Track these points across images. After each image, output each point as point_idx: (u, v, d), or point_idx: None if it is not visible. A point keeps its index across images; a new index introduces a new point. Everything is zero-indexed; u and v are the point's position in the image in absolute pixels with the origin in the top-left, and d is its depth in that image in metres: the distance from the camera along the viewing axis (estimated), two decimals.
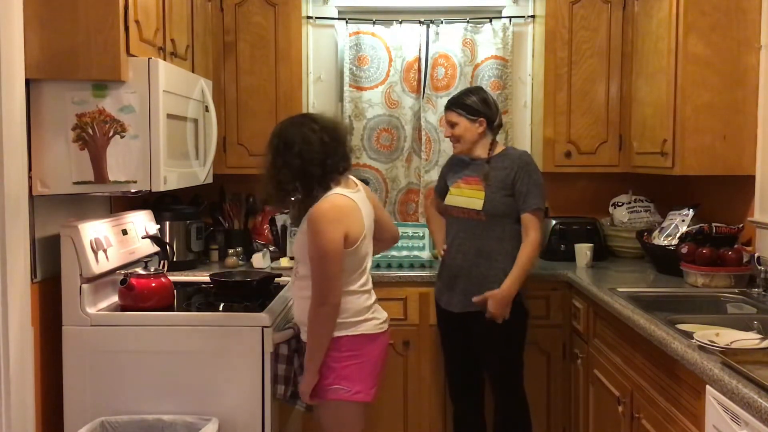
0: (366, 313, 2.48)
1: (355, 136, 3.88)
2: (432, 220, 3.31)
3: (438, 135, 3.89)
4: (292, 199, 2.48)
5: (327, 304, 2.36)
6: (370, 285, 2.55)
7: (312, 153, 2.37)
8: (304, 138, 2.38)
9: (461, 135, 2.98)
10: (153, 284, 2.63)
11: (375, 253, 2.64)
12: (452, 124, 2.99)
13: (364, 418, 2.53)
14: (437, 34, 3.90)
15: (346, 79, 3.90)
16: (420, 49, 3.89)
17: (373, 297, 2.55)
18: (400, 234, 3.53)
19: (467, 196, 2.98)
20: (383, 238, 2.69)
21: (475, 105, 2.96)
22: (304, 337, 2.51)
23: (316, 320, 2.38)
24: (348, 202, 2.41)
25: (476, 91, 3.06)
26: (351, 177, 2.53)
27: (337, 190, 2.41)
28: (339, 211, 2.36)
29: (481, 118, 2.96)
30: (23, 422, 2.37)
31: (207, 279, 3.02)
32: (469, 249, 2.96)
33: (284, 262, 3.52)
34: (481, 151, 3.00)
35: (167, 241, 3.33)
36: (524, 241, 2.88)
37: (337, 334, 2.42)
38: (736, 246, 2.95)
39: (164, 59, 2.70)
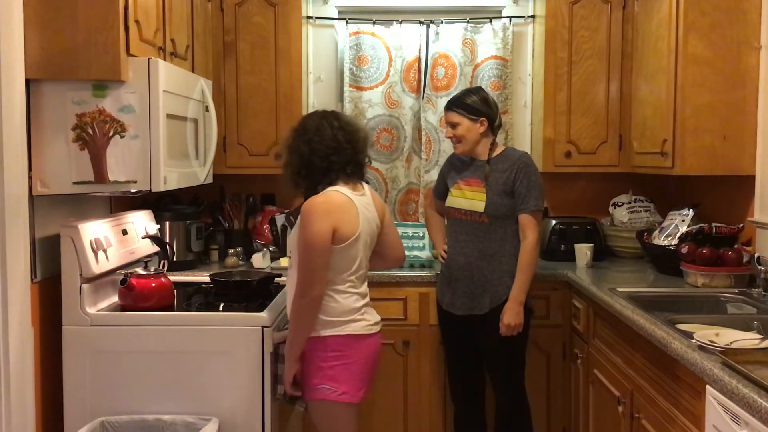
0: (354, 314, 2.46)
1: None
2: (431, 222, 3.31)
3: (438, 135, 3.89)
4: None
5: (307, 296, 2.38)
6: (363, 289, 2.53)
7: (321, 144, 2.45)
8: (318, 128, 2.47)
9: (463, 135, 2.97)
10: (153, 284, 2.63)
11: (376, 269, 2.68)
12: (453, 125, 2.99)
13: (356, 418, 2.54)
14: (437, 34, 3.90)
15: (346, 79, 3.90)
16: (420, 49, 3.89)
17: (365, 300, 2.53)
18: (400, 234, 3.55)
19: (469, 198, 2.98)
20: (386, 256, 2.68)
21: (476, 104, 2.96)
22: None
23: (297, 311, 2.42)
24: (343, 199, 2.43)
25: (476, 91, 3.06)
26: (362, 183, 2.56)
27: (337, 188, 2.45)
28: (330, 205, 2.40)
29: (483, 118, 2.96)
30: (23, 422, 2.36)
31: (207, 279, 3.02)
32: (471, 251, 2.96)
33: (284, 262, 3.52)
34: (481, 152, 3.00)
35: (167, 241, 3.33)
36: (522, 244, 2.88)
37: (323, 333, 2.43)
38: (736, 246, 2.95)
39: (164, 59, 2.70)
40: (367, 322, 2.50)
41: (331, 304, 2.43)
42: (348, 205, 2.43)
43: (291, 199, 3.93)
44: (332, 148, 2.45)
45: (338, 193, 2.43)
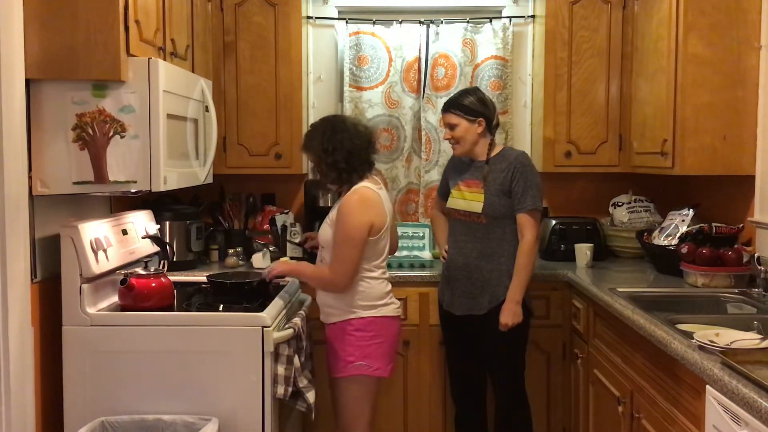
0: (386, 297, 2.78)
1: None
2: (435, 222, 3.32)
3: (438, 135, 3.89)
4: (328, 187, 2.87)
5: (336, 285, 2.68)
6: (388, 274, 2.86)
7: (359, 139, 2.74)
8: (353, 125, 2.79)
9: (461, 137, 2.97)
10: (153, 284, 2.63)
11: None
12: (451, 126, 2.99)
13: (378, 394, 2.86)
14: (437, 34, 3.90)
15: (346, 79, 3.90)
16: (420, 49, 3.89)
17: (390, 285, 2.84)
18: (400, 234, 3.57)
19: (468, 200, 2.98)
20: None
21: (474, 105, 2.96)
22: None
23: (320, 285, 2.77)
24: (374, 194, 2.73)
25: (473, 91, 3.06)
26: (375, 176, 2.84)
27: (365, 183, 2.74)
28: (367, 202, 2.69)
29: (480, 119, 2.96)
30: (23, 422, 2.36)
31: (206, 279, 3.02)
32: (470, 251, 2.97)
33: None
34: (480, 152, 3.00)
35: (167, 241, 3.33)
36: (520, 244, 2.89)
37: (363, 314, 2.71)
38: (736, 246, 2.95)
39: (164, 59, 2.70)
40: (396, 305, 2.83)
41: (369, 290, 2.72)
42: (377, 199, 2.73)
43: (291, 200, 3.94)
44: (368, 143, 2.77)
45: (368, 189, 2.72)
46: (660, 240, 3.24)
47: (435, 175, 3.87)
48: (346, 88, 3.90)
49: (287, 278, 3.14)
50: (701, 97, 2.96)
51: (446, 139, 3.06)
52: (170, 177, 2.62)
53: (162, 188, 2.54)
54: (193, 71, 3.11)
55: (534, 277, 2.93)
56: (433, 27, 3.89)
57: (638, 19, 3.45)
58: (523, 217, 2.89)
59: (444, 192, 3.19)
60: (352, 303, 2.72)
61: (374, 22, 3.89)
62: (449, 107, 3.01)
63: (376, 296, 2.74)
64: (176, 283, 2.85)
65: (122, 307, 2.63)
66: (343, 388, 2.76)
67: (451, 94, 3.81)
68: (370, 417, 2.81)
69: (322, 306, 2.81)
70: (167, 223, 3.42)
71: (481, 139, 2.98)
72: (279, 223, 3.73)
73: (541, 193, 2.93)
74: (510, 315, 2.85)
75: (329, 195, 3.50)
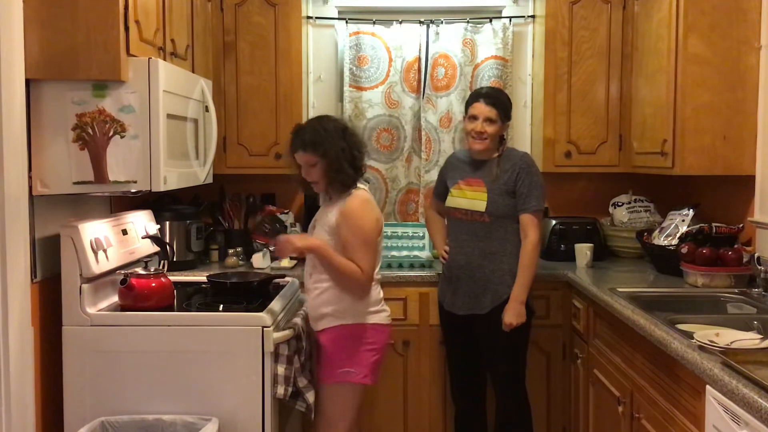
0: (379, 304, 2.75)
1: None
2: (431, 222, 3.31)
3: (438, 135, 3.89)
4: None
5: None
6: (380, 276, 2.82)
7: (362, 138, 2.83)
8: (352, 124, 2.91)
9: (493, 134, 2.96)
10: (153, 284, 2.63)
11: None
12: (491, 121, 2.95)
13: (362, 400, 2.81)
14: (437, 34, 3.89)
15: (346, 79, 3.90)
16: (420, 49, 3.89)
17: (382, 292, 2.80)
18: (400, 234, 3.59)
19: (469, 198, 2.98)
20: None
21: (508, 108, 3.02)
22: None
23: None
24: (371, 197, 2.75)
25: (503, 91, 3.17)
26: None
27: (361, 186, 2.73)
28: (369, 203, 2.70)
29: (508, 122, 3.03)
30: (23, 422, 2.36)
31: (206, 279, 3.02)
32: (472, 250, 2.97)
33: (284, 262, 3.52)
34: (492, 153, 3.01)
35: (167, 241, 3.33)
36: (523, 244, 2.89)
37: (357, 321, 2.67)
38: (736, 246, 2.95)
39: (164, 59, 2.70)
40: (387, 312, 2.79)
41: (364, 296, 2.68)
42: (374, 202, 2.76)
43: (291, 200, 3.94)
44: (365, 144, 2.83)
45: (365, 191, 2.72)
46: (660, 240, 3.24)
47: (435, 175, 3.85)
48: (346, 88, 3.90)
49: (287, 278, 3.14)
50: (701, 97, 2.96)
51: (478, 131, 2.94)
52: (170, 177, 2.62)
53: (162, 188, 2.54)
54: (193, 71, 3.11)
55: (535, 276, 2.93)
56: (433, 27, 3.89)
57: (638, 19, 3.45)
58: (527, 217, 2.89)
59: (441, 192, 3.18)
60: (346, 308, 2.66)
61: (374, 22, 3.89)
62: (494, 103, 2.95)
63: (374, 302, 2.71)
64: (176, 283, 2.85)
65: (122, 307, 2.63)
66: (328, 393, 2.71)
67: (451, 95, 3.84)
68: (351, 423, 2.74)
69: (312, 312, 2.73)
70: (167, 223, 3.42)
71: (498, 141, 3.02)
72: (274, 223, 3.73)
73: (544, 194, 2.95)
74: (514, 315, 2.86)
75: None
